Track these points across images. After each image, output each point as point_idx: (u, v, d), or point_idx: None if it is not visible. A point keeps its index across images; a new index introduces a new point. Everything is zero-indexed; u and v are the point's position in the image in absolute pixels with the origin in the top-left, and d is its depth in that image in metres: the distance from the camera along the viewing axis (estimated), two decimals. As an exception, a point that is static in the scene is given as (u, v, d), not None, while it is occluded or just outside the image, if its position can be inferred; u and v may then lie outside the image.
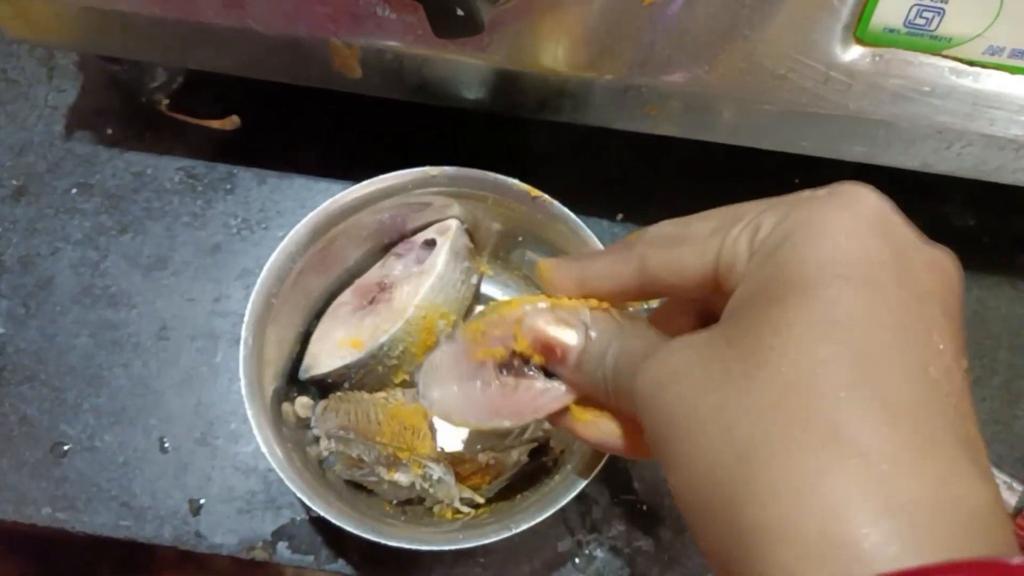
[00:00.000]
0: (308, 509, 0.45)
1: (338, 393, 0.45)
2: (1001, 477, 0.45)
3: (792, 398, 0.21)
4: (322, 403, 0.44)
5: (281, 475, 0.37)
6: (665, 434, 0.24)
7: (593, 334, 0.30)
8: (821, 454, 0.20)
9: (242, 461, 0.46)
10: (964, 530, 0.19)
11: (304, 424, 0.43)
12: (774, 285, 0.23)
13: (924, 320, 0.22)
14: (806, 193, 0.25)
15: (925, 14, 0.37)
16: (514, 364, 0.32)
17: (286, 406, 0.43)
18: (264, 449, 0.38)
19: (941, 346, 0.22)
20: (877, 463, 0.20)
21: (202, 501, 0.46)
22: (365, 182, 0.42)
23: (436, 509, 0.42)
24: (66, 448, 0.47)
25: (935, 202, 0.54)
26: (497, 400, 0.33)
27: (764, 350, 0.22)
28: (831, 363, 0.21)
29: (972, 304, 0.52)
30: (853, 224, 0.23)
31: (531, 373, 0.32)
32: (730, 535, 0.21)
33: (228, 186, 0.52)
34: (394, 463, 0.41)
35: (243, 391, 0.39)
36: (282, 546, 0.45)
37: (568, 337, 0.30)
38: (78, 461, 0.47)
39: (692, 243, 0.27)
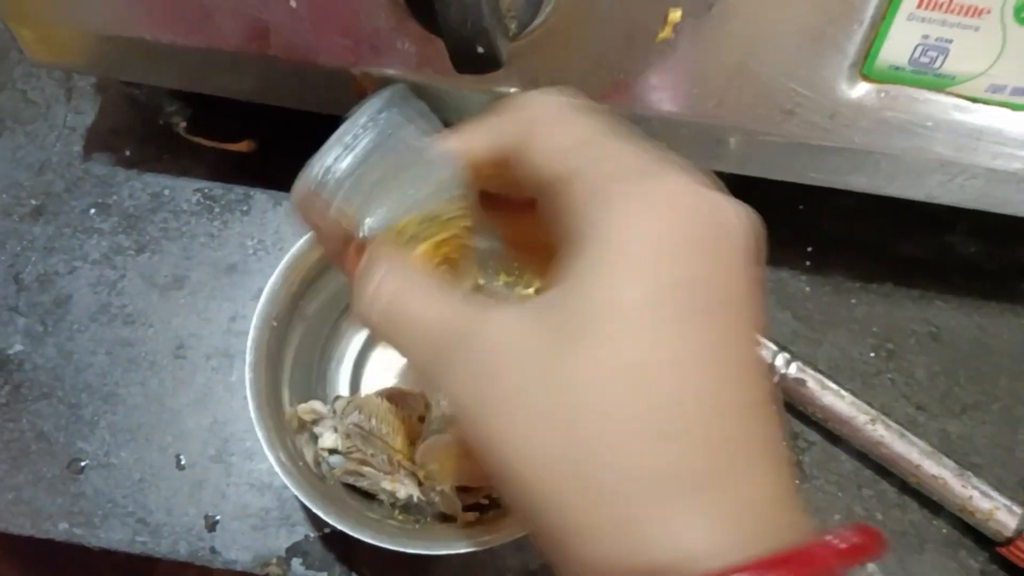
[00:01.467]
0: (321, 526, 0.46)
1: (362, 394, 0.46)
2: (1001, 500, 0.46)
3: (619, 387, 0.22)
4: (346, 399, 0.44)
5: (296, 492, 0.38)
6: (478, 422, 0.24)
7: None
8: (644, 442, 0.22)
9: (257, 478, 0.47)
10: (764, 524, 0.22)
11: (303, 427, 0.44)
12: (610, 259, 0.23)
13: (740, 313, 0.23)
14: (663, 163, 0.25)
15: (930, 53, 0.39)
16: None
17: (290, 410, 0.43)
18: (278, 469, 0.39)
19: (750, 325, 0.24)
20: (690, 453, 0.22)
21: (217, 517, 0.47)
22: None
23: (447, 511, 0.43)
24: (83, 464, 0.48)
25: (940, 230, 0.55)
26: (483, 470, 0.35)
27: (596, 331, 0.23)
28: (658, 353, 0.22)
29: (973, 331, 0.53)
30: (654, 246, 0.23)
31: None
32: (551, 519, 0.22)
33: (244, 207, 0.53)
34: (397, 471, 0.42)
35: (252, 413, 0.40)
36: (296, 562, 0.46)
37: None
38: (95, 477, 0.47)
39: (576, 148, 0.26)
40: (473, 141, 0.29)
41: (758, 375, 0.24)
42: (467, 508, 0.43)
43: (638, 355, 0.22)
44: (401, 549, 0.39)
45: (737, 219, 0.25)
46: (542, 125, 0.28)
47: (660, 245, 0.23)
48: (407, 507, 0.44)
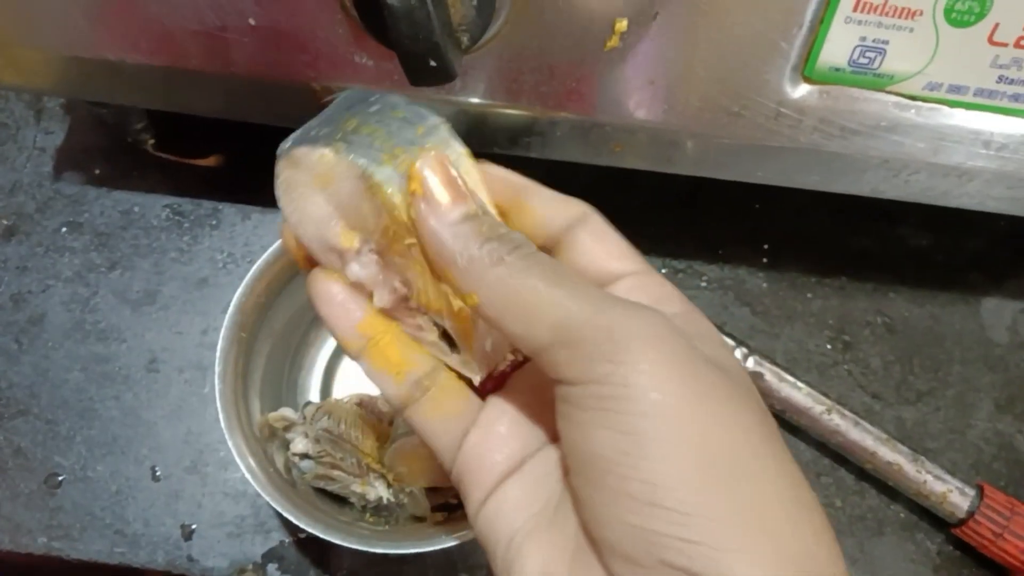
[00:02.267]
0: (296, 531, 0.47)
1: (331, 399, 0.47)
2: (954, 483, 0.47)
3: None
4: (316, 404, 0.45)
5: (266, 498, 0.39)
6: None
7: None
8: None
9: (231, 487, 0.48)
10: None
11: (273, 434, 0.45)
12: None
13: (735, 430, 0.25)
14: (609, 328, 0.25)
15: (868, 54, 0.40)
16: None
17: (260, 418, 0.44)
18: (247, 476, 0.40)
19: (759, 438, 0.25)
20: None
21: (194, 526, 0.48)
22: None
23: (417, 512, 0.44)
24: (60, 479, 0.48)
25: (891, 223, 0.57)
26: None
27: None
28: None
29: (927, 320, 0.54)
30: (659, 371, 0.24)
31: None
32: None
33: (213, 222, 0.54)
34: (367, 474, 0.43)
35: (222, 423, 0.41)
36: (272, 568, 0.47)
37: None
38: (72, 491, 0.48)
39: (527, 327, 0.25)
40: None
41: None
42: (436, 508, 0.44)
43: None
44: (372, 550, 0.40)
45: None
46: None
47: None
48: (377, 509, 0.45)
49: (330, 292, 0.30)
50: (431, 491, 0.44)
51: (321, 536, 0.40)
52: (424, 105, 0.29)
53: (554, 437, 0.29)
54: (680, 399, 0.24)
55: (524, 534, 0.27)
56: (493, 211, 0.28)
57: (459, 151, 0.28)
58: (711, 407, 0.24)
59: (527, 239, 0.27)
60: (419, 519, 0.45)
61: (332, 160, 0.27)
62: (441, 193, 0.27)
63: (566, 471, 0.27)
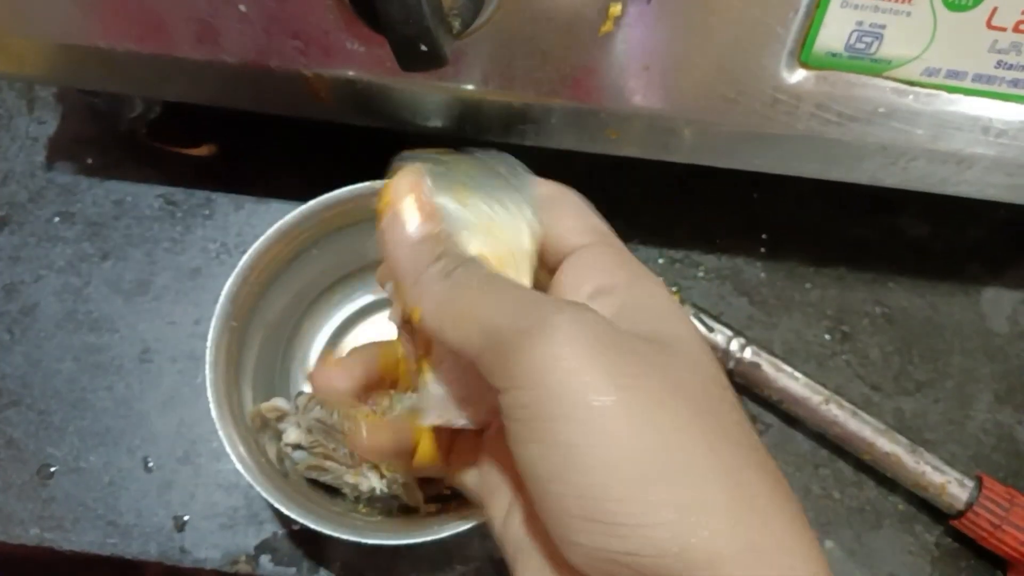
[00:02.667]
0: (289, 523, 0.47)
1: None
2: (953, 474, 0.47)
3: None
4: (308, 394, 0.45)
5: (257, 487, 0.39)
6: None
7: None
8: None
9: (224, 478, 0.48)
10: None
11: (266, 425, 0.45)
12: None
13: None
14: (531, 330, 0.25)
15: (865, 39, 0.40)
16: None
17: (252, 409, 0.44)
18: (238, 465, 0.39)
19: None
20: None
21: (186, 518, 0.47)
22: (312, 202, 0.44)
23: (410, 503, 0.43)
24: (53, 470, 0.48)
25: (891, 213, 0.56)
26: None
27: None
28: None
29: (926, 310, 0.54)
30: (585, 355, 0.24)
31: None
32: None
33: (206, 212, 0.54)
34: (360, 465, 0.43)
35: (212, 412, 0.40)
36: (265, 559, 0.47)
37: None
38: (64, 482, 0.48)
39: (463, 334, 0.26)
40: None
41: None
42: (429, 499, 0.44)
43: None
44: (365, 541, 0.39)
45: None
46: None
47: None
48: (370, 500, 0.44)
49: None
50: (424, 482, 0.44)
51: (313, 527, 0.39)
52: None
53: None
54: (605, 399, 0.23)
55: (527, 549, 0.28)
56: None
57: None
58: (639, 403, 0.24)
59: (478, 258, 0.28)
60: (412, 510, 0.44)
61: None
62: (410, 213, 0.28)
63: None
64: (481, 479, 0.32)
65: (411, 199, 0.28)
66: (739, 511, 0.23)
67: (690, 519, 0.22)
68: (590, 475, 0.23)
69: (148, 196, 0.54)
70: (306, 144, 0.55)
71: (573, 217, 0.31)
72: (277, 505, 0.39)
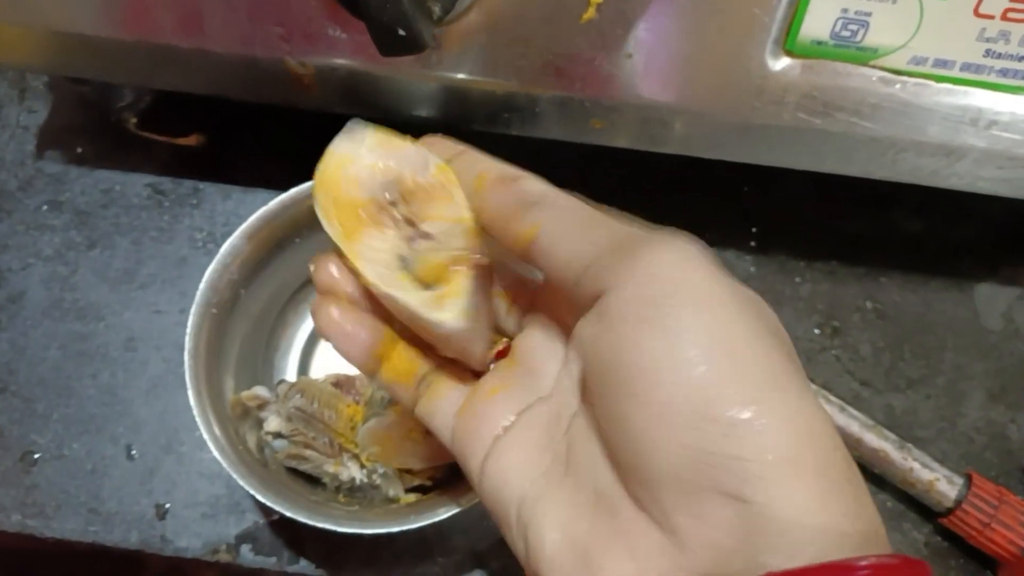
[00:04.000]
0: (270, 512, 0.47)
1: (306, 378, 0.46)
2: (942, 471, 0.46)
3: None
4: (289, 383, 0.45)
5: (237, 478, 0.39)
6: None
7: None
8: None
9: (206, 467, 0.48)
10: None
11: (247, 413, 0.44)
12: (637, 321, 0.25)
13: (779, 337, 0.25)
14: (655, 236, 0.26)
15: (850, 27, 0.39)
16: None
17: (232, 397, 0.44)
18: (214, 451, 0.39)
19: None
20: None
21: (168, 506, 0.47)
22: (293, 190, 0.44)
23: (390, 493, 0.43)
24: (36, 457, 0.48)
25: (883, 208, 0.56)
26: (426, 452, 0.42)
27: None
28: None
29: (918, 307, 0.53)
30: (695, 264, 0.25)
31: None
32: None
33: (194, 201, 0.54)
34: (340, 454, 0.42)
35: (191, 399, 0.40)
36: (245, 548, 0.46)
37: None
38: (47, 469, 0.48)
39: (581, 244, 0.27)
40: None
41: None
42: (410, 490, 0.44)
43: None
44: (343, 530, 0.39)
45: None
46: None
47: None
48: (351, 490, 0.44)
49: (336, 323, 0.32)
50: (405, 473, 0.44)
51: (290, 515, 0.39)
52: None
53: (551, 390, 0.30)
54: (726, 294, 0.24)
55: (535, 497, 0.27)
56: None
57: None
58: (754, 310, 0.24)
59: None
60: (392, 501, 0.44)
61: None
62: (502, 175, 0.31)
63: (591, 402, 0.27)
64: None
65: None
66: (825, 446, 0.23)
67: (793, 434, 0.22)
68: (712, 368, 0.23)
69: (136, 185, 0.54)
70: (294, 134, 0.55)
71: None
72: (254, 493, 0.39)
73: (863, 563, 0.21)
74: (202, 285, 0.42)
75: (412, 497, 0.43)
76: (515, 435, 0.29)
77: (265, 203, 0.43)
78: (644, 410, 0.24)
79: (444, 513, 0.39)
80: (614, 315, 0.25)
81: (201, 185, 0.54)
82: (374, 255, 0.31)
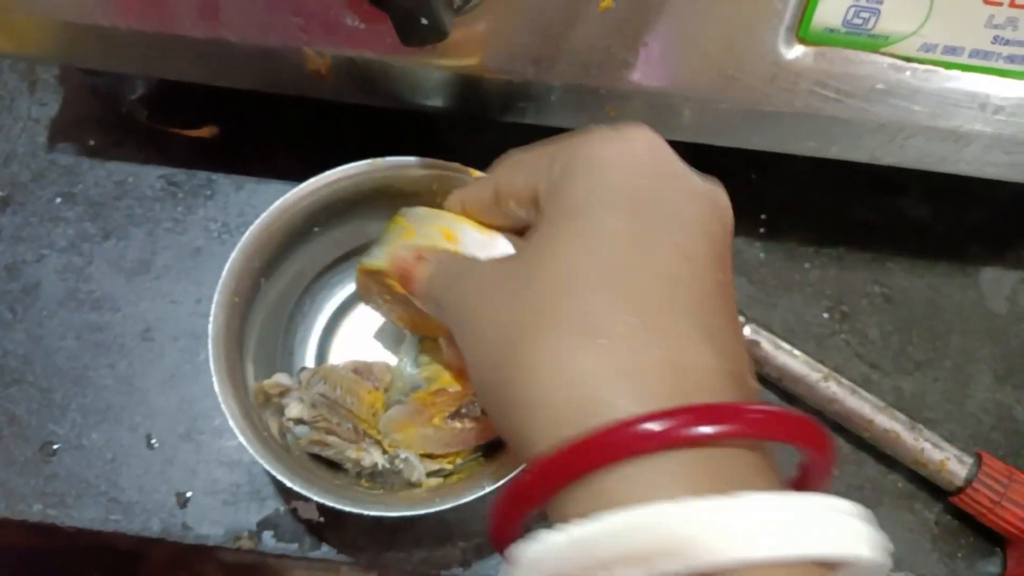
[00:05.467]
0: (291, 499, 0.47)
1: (327, 364, 0.47)
2: (952, 451, 0.47)
3: (553, 298, 0.26)
4: (311, 369, 0.45)
5: (261, 461, 0.39)
6: (458, 330, 0.30)
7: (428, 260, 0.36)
8: (572, 338, 0.25)
9: (226, 455, 0.48)
10: (688, 387, 0.24)
11: (268, 401, 0.45)
12: (556, 212, 0.29)
13: (676, 236, 0.27)
14: (595, 130, 0.30)
15: (862, 14, 0.40)
16: (460, 411, 0.43)
17: (255, 384, 0.44)
18: (241, 439, 0.40)
19: (692, 256, 0.27)
20: (617, 341, 0.24)
21: (188, 494, 0.47)
22: (312, 179, 0.44)
23: (412, 478, 0.44)
24: (55, 447, 0.48)
25: (891, 193, 0.56)
26: (447, 437, 0.43)
27: (537, 263, 0.27)
28: (587, 270, 0.26)
29: (925, 291, 0.54)
30: (623, 159, 0.29)
31: (470, 414, 0.43)
32: (505, 407, 0.26)
33: (208, 192, 0.54)
34: (362, 439, 0.43)
35: (216, 386, 0.40)
36: (267, 535, 0.47)
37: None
38: (67, 459, 0.48)
39: (523, 168, 0.33)
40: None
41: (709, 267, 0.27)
42: (431, 475, 0.44)
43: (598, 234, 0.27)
44: (367, 512, 0.40)
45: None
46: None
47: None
48: (372, 475, 0.44)
49: None
50: (426, 458, 0.44)
51: (315, 499, 0.39)
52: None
53: None
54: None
55: None
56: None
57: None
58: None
59: None
60: (414, 485, 0.44)
61: None
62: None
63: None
64: None
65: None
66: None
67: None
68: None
69: (150, 177, 0.54)
70: (306, 124, 0.56)
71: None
72: (279, 477, 0.39)
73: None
74: (224, 274, 0.43)
75: (434, 482, 0.44)
76: None
77: (278, 194, 0.44)
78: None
79: (466, 497, 0.40)
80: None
81: (214, 176, 0.54)
82: None
